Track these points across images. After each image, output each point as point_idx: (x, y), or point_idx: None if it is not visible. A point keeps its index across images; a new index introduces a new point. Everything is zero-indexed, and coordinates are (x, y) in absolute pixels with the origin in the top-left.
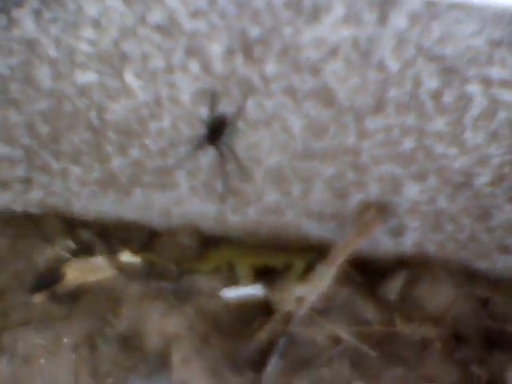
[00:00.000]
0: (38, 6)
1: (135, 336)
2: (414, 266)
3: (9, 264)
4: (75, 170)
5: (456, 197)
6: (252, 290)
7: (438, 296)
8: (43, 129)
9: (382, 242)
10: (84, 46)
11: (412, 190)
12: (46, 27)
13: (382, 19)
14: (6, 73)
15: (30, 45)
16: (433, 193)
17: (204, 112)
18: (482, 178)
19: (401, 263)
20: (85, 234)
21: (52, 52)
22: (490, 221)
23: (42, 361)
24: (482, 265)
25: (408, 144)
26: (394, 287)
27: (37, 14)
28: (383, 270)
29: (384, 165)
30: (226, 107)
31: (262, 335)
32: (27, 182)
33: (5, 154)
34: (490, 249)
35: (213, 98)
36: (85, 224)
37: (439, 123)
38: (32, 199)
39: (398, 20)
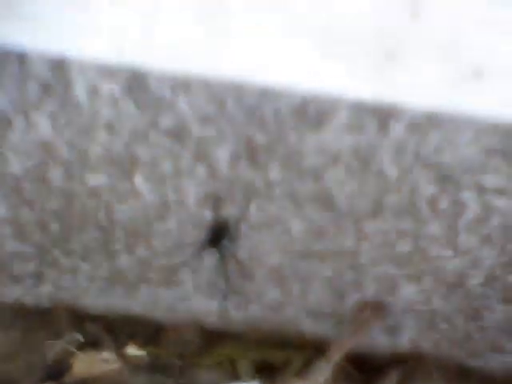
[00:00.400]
0: (55, 109)
1: None
2: (409, 362)
3: (20, 356)
4: (84, 267)
5: (450, 297)
6: None
7: None
8: (54, 227)
9: (377, 340)
10: (96, 149)
11: (408, 290)
12: (61, 130)
13: (383, 127)
14: (20, 174)
15: (45, 147)
16: (428, 293)
17: (208, 215)
18: (475, 279)
19: (396, 360)
20: (92, 328)
21: (65, 154)
22: (483, 321)
23: None
24: (474, 363)
25: (404, 246)
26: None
27: (54, 117)
28: (379, 367)
29: (381, 266)
30: (229, 211)
31: None
32: (38, 277)
33: (17, 250)
34: (482, 348)
35: (216, 202)
36: (93, 318)
37: (434, 227)
38: (42, 293)
39: (399, 128)
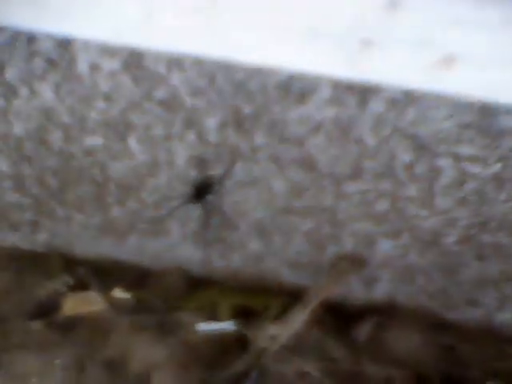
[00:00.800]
0: (58, 80)
1: (121, 362)
2: (384, 312)
3: (12, 295)
4: (78, 217)
5: (426, 253)
6: (228, 325)
7: (405, 341)
8: (51, 181)
9: (354, 290)
10: (94, 115)
11: (385, 246)
12: (63, 98)
13: (362, 103)
14: (22, 134)
15: (47, 112)
16: (404, 248)
17: (195, 173)
18: (451, 237)
19: (372, 309)
20: (82, 272)
21: (65, 119)
22: (459, 276)
23: (34, 379)
24: (449, 315)
25: (382, 206)
26: (363, 330)
27: (56, 86)
28: (354, 315)
29: (359, 222)
30: (215, 170)
31: (237, 367)
32: (34, 225)
33: (16, 201)
34: (457, 301)
35: (203, 162)
36: (83, 263)
37: (411, 189)
38: (38, 240)
39: (377, 104)
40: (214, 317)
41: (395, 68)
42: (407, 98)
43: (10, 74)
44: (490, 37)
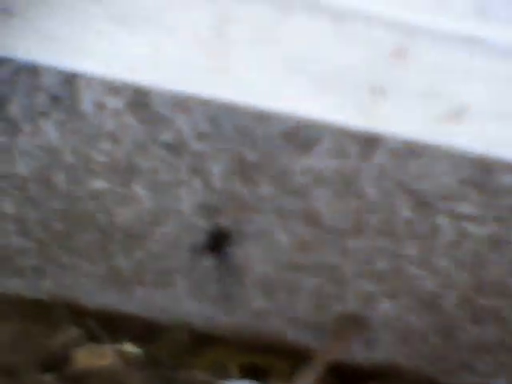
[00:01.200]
0: (63, 118)
1: None
2: (383, 375)
3: (20, 346)
4: (83, 265)
5: (424, 315)
6: None
7: None
8: (56, 226)
9: (356, 351)
10: (99, 156)
11: (385, 306)
12: (67, 137)
13: (365, 154)
14: (26, 174)
15: (51, 152)
16: (403, 310)
17: (204, 223)
18: (448, 299)
19: (371, 371)
20: (91, 324)
21: (69, 159)
22: (455, 340)
23: None
24: (446, 380)
25: (382, 264)
26: None
27: (60, 124)
28: (356, 377)
29: (360, 281)
30: (222, 221)
31: None
32: (39, 271)
33: (20, 245)
34: (453, 366)
35: (210, 212)
36: (89, 313)
37: (410, 248)
38: (42, 287)
39: (380, 156)
40: (222, 375)
41: (403, 118)
42: (411, 150)
43: (13, 109)
44: (500, 90)
